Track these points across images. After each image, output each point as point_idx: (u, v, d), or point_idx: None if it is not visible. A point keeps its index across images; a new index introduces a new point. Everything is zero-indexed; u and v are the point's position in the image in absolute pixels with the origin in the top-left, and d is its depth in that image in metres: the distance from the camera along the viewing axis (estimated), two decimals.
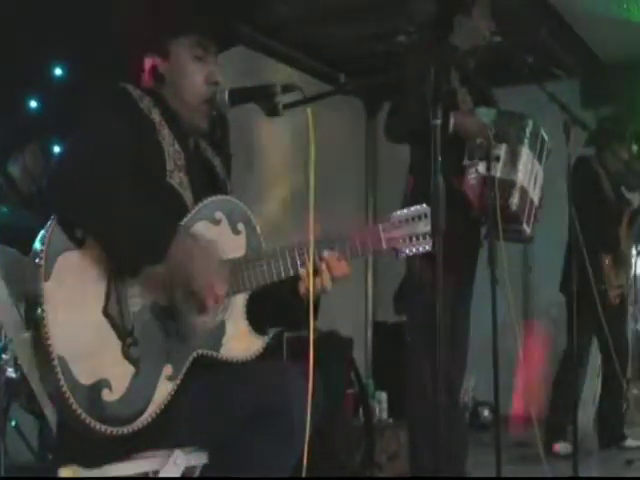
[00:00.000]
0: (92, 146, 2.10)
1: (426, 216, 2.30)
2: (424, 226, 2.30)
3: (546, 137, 3.86)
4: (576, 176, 5.53)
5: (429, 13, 4.08)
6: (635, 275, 8.88)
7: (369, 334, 7.43)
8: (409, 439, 3.91)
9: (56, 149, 4.61)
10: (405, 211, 2.32)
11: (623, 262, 5.62)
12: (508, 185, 3.63)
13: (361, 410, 5.02)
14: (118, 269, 2.05)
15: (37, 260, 1.98)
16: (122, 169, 2.08)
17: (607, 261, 5.47)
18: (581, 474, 3.79)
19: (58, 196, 2.04)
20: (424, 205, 2.32)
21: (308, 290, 2.19)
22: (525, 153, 3.70)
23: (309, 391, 2.04)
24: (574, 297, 3.89)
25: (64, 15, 4.48)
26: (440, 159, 2.26)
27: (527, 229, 3.73)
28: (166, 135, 2.27)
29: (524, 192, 3.68)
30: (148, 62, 2.35)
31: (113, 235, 2.02)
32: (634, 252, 8.01)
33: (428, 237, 2.29)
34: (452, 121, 3.60)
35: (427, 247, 2.30)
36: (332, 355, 4.59)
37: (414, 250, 2.31)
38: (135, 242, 2.02)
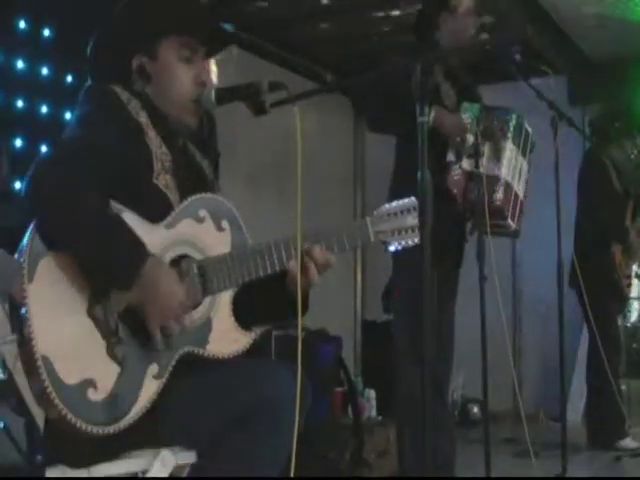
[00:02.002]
0: (77, 151, 2.10)
1: (414, 209, 2.31)
2: (412, 219, 2.31)
3: (530, 130, 3.88)
4: (585, 169, 5.61)
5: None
6: None
7: (358, 332, 7.43)
8: (397, 437, 3.92)
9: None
10: (393, 204, 2.33)
11: (632, 253, 5.67)
12: (492, 181, 3.64)
13: (350, 408, 5.02)
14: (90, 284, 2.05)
15: (21, 260, 1.98)
16: (105, 176, 2.07)
17: (618, 251, 5.51)
18: (569, 470, 3.81)
19: (34, 203, 2.04)
20: (412, 198, 2.33)
21: (296, 284, 2.18)
22: (509, 148, 3.71)
23: (297, 389, 2.03)
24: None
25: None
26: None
27: (512, 224, 3.75)
28: (153, 137, 2.27)
29: (508, 187, 3.69)
30: (136, 61, 2.35)
31: (84, 254, 2.02)
32: None
33: (416, 230, 2.30)
34: (432, 114, 3.58)
35: (415, 240, 2.31)
36: (320, 353, 4.60)
37: (403, 243, 2.32)
38: (104, 266, 2.03)
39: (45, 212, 2.02)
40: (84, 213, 2.02)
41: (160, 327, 2.06)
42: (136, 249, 2.05)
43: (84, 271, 2.02)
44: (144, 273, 2.02)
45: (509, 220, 3.72)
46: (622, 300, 5.74)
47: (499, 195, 3.65)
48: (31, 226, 2.01)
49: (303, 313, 2.26)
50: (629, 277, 5.71)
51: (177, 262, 2.17)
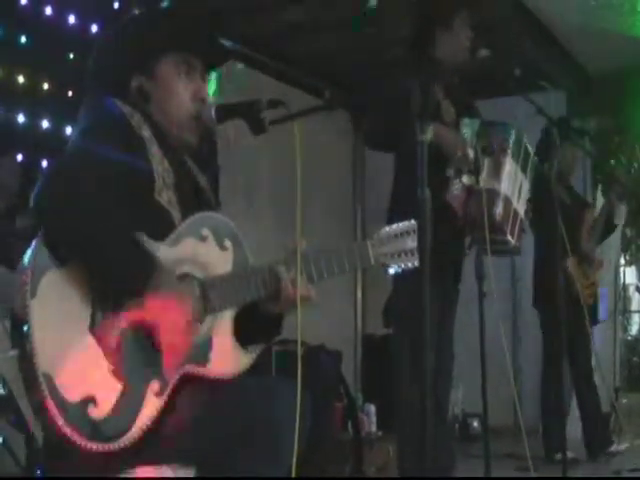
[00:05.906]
0: (81, 164, 2.11)
1: (414, 232, 2.33)
2: (411, 242, 2.33)
3: (530, 148, 3.89)
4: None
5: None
6: (623, 284, 8.92)
7: (358, 347, 7.42)
8: (397, 451, 3.92)
9: (34, 163, 4.56)
10: (393, 227, 2.35)
11: (589, 261, 5.64)
12: (492, 195, 3.64)
13: (350, 423, 5.02)
14: (100, 297, 2.06)
15: (23, 277, 1.98)
16: (109, 190, 2.08)
17: (571, 263, 5.44)
18: None
19: (43, 216, 2.05)
20: (412, 221, 2.34)
21: (294, 304, 2.20)
22: (508, 163, 3.72)
23: (297, 406, 2.04)
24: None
25: None
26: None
27: (511, 240, 3.74)
28: (156, 152, 2.27)
29: (508, 202, 3.70)
30: (135, 82, 2.35)
31: (94, 266, 2.04)
32: (622, 261, 8.04)
33: (415, 253, 2.31)
34: (431, 129, 3.59)
35: (415, 263, 2.33)
36: (320, 369, 4.59)
37: (402, 266, 2.34)
38: (115, 277, 2.04)
39: (56, 221, 2.03)
40: (95, 220, 2.03)
41: (168, 342, 2.07)
42: (148, 258, 2.07)
43: (94, 282, 2.03)
44: (157, 280, 2.04)
45: (508, 236, 3.71)
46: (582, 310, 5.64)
47: (498, 210, 3.65)
48: (34, 242, 2.02)
49: (275, 335, 2.32)
50: (594, 284, 5.67)
51: (180, 280, 2.18)
